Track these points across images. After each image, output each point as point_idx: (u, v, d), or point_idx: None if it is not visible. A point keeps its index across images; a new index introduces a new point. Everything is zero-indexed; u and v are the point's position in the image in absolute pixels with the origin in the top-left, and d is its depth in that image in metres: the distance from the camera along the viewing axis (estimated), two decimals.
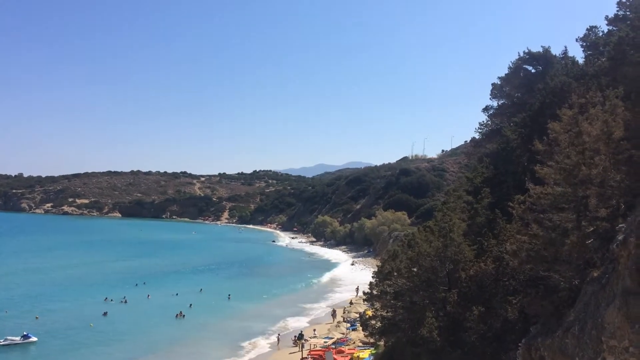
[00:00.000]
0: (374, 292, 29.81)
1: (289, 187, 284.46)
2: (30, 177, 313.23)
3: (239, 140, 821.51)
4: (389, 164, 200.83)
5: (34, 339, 42.44)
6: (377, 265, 33.24)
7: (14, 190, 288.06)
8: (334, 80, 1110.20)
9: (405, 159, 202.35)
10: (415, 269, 27.41)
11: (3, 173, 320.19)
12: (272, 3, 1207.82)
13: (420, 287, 26.96)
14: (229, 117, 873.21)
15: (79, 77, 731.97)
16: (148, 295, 63.75)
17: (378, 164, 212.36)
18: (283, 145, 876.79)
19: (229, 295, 64.04)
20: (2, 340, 41.40)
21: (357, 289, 62.07)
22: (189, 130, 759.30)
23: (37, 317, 50.44)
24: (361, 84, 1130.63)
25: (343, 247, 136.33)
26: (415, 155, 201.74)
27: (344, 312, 56.50)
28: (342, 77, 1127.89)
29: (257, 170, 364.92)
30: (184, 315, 53.49)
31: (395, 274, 28.36)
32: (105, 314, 52.78)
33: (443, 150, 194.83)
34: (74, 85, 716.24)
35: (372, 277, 30.68)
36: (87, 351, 41.26)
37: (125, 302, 59.84)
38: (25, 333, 42.60)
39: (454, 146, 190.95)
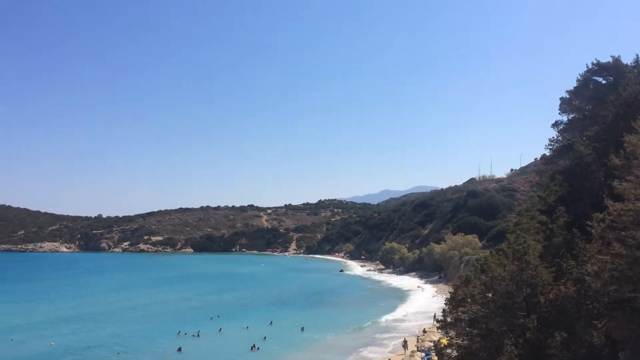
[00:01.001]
0: (448, 319, 28.96)
1: (354, 215, 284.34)
2: (108, 218, 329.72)
3: (303, 170, 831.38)
4: (456, 186, 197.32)
5: None
6: (450, 292, 32.34)
7: (94, 231, 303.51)
8: (394, 103, 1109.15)
9: (472, 180, 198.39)
10: (490, 295, 26.49)
11: (84, 215, 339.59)
12: (321, 25, 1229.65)
13: (497, 313, 25.96)
14: (292, 148, 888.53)
15: (143, 117, 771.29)
16: (220, 329, 64.76)
17: (444, 187, 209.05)
18: (346, 173, 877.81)
19: (302, 327, 63.95)
20: None
21: (435, 316, 60.38)
22: (254, 163, 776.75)
23: (118, 353, 52.27)
24: (422, 106, 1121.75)
25: (413, 273, 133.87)
26: (483, 176, 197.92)
27: (417, 341, 55.07)
28: (402, 100, 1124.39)
29: (322, 200, 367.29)
30: (258, 348, 53.75)
31: (469, 300, 27.49)
32: (179, 349, 53.91)
33: (512, 170, 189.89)
34: (142, 126, 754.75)
35: (445, 303, 29.85)
36: None
37: (198, 336, 61.02)
38: None
39: (523, 164, 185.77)
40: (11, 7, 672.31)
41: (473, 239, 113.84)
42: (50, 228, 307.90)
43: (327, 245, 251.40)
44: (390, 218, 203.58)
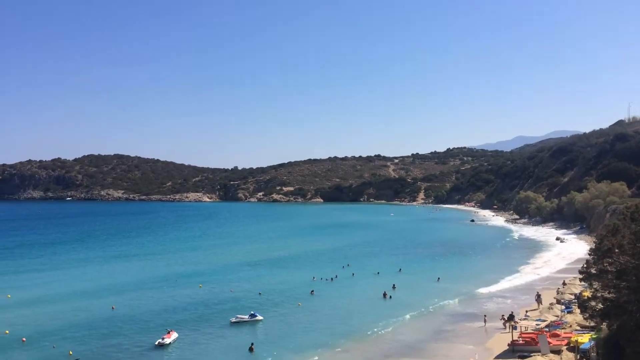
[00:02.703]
0: (592, 270, 27.22)
1: (485, 163, 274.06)
2: (243, 170, 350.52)
3: (431, 118, 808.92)
4: (600, 130, 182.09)
5: (260, 317, 45.75)
6: (594, 242, 30.17)
7: (231, 182, 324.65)
8: (529, 39, 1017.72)
9: (620, 122, 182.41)
10: None
11: (222, 167, 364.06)
12: None
13: None
14: (419, 96, 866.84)
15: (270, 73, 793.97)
16: (352, 274, 67.01)
17: (587, 131, 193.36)
18: (477, 119, 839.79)
19: (439, 277, 63.66)
20: (234, 319, 45.48)
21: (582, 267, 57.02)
22: (380, 112, 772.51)
23: (260, 294, 56.12)
24: (560, 41, 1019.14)
25: (550, 224, 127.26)
26: (633, 118, 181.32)
27: (557, 294, 52.55)
28: (536, 34, 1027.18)
29: (451, 148, 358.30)
30: (390, 297, 54.57)
31: (616, 250, 25.50)
32: (312, 292, 56.56)
33: None
34: (276, 85, 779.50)
35: (589, 254, 28.01)
36: (302, 330, 43.93)
37: (332, 280, 63.53)
38: (252, 312, 46.39)
39: None
40: None
41: (621, 186, 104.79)
42: (194, 180, 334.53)
43: (456, 194, 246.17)
44: (525, 166, 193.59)
